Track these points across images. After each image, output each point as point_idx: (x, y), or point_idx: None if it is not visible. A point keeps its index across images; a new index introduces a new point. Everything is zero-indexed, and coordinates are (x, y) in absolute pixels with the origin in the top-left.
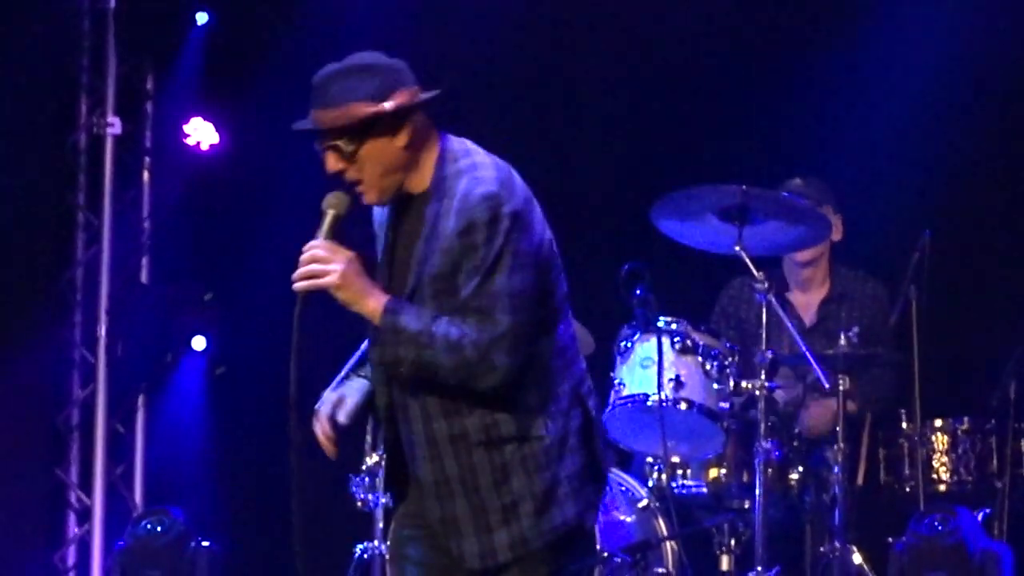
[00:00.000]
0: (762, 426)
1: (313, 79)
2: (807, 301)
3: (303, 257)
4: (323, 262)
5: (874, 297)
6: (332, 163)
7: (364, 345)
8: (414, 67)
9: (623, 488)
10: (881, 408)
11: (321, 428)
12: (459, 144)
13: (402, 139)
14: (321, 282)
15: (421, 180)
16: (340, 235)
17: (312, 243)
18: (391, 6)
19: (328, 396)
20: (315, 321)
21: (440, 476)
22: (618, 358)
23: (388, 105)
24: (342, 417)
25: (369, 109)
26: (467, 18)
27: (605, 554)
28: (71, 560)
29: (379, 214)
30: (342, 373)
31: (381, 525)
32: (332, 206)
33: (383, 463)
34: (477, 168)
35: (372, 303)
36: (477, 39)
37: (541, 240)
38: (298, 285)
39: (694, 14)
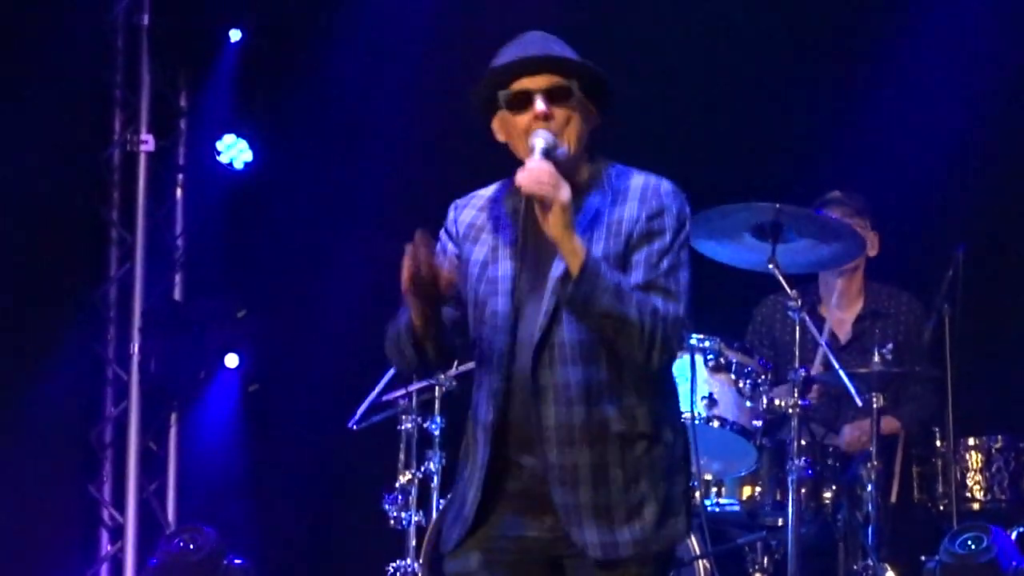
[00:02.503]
0: (795, 444)
1: (530, 32)
2: (841, 317)
3: (536, 165)
4: (558, 182)
5: (909, 310)
6: (544, 104)
7: None
8: (449, 83)
9: None
10: (923, 429)
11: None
12: (608, 160)
13: (594, 122)
14: (554, 193)
15: (576, 179)
16: None
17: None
18: (426, 23)
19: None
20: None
21: (569, 462)
22: None
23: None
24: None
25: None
26: (498, 42)
27: None
28: None
29: (473, 217)
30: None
31: (414, 543)
32: (544, 137)
33: (471, 471)
34: (647, 173)
35: (578, 241)
36: None
37: None
38: (528, 186)
39: (727, 32)
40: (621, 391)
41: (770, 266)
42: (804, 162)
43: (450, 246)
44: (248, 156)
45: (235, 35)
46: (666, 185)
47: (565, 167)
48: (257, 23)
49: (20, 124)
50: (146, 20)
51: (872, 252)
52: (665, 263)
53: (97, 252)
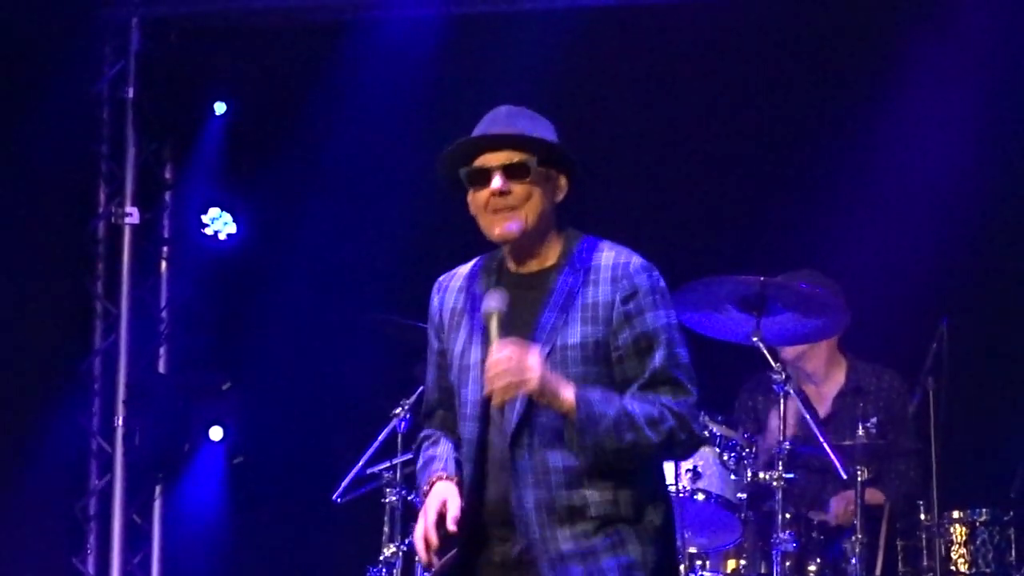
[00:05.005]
0: (780, 517)
1: (499, 108)
2: (819, 392)
3: (496, 366)
4: (519, 368)
5: (891, 388)
6: (501, 181)
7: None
8: (434, 154)
9: None
10: (908, 503)
11: (424, 535)
12: (577, 232)
13: (559, 195)
14: (523, 387)
15: (546, 254)
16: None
17: (500, 349)
18: (411, 94)
19: (431, 501)
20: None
21: (551, 538)
22: None
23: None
24: (451, 524)
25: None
26: (484, 111)
27: None
28: None
29: (455, 300)
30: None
31: None
32: (494, 306)
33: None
34: (615, 246)
35: (566, 396)
36: None
37: None
38: (498, 397)
39: (711, 108)
40: (603, 475)
41: (754, 339)
42: (787, 235)
43: (434, 342)
44: (232, 228)
45: (220, 108)
46: (636, 262)
47: (527, 243)
48: (242, 96)
49: (4, 195)
50: (131, 93)
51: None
52: (658, 352)
53: (82, 324)
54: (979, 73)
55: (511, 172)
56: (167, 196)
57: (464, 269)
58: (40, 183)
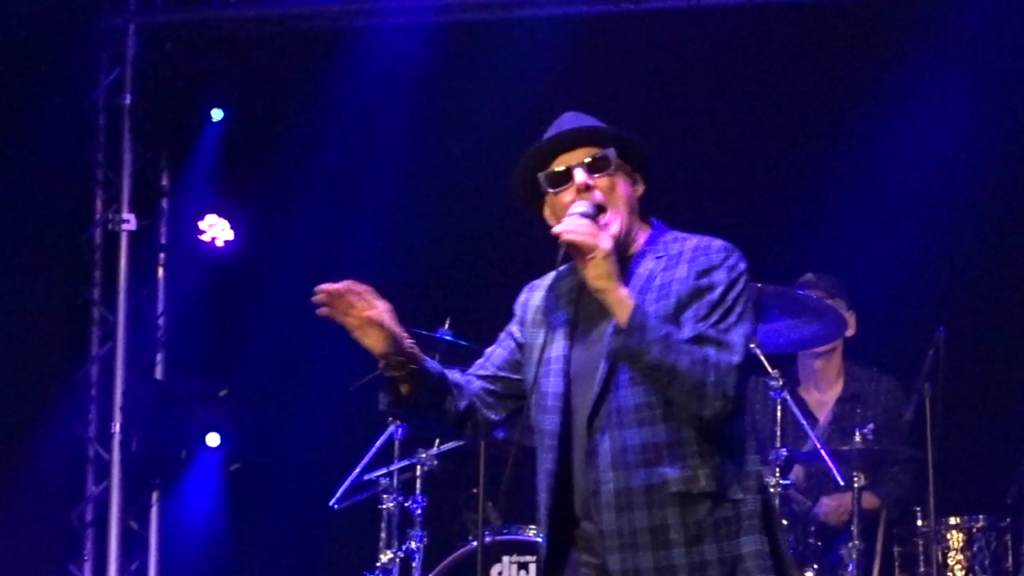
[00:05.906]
0: None
1: (563, 114)
2: (820, 399)
3: (576, 215)
4: (595, 234)
5: (888, 393)
6: (585, 176)
7: None
8: (432, 163)
9: None
10: (901, 507)
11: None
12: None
13: (640, 189)
14: (595, 242)
15: (631, 244)
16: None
17: (583, 217)
18: (409, 101)
19: None
20: None
21: (627, 527)
22: None
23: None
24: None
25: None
26: (485, 120)
27: None
28: None
29: (541, 299)
30: None
31: None
32: (585, 203)
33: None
34: (700, 236)
35: (624, 291)
36: (481, 144)
37: None
38: (569, 235)
39: (707, 116)
40: (682, 451)
41: (751, 346)
42: (785, 242)
43: (514, 329)
44: (229, 235)
45: (217, 115)
46: (717, 243)
47: (621, 233)
48: (238, 103)
49: (1, 203)
50: (128, 100)
51: (849, 332)
52: (716, 315)
53: (79, 331)
54: (979, 82)
55: (593, 167)
56: (164, 203)
57: (555, 272)
58: (37, 190)
